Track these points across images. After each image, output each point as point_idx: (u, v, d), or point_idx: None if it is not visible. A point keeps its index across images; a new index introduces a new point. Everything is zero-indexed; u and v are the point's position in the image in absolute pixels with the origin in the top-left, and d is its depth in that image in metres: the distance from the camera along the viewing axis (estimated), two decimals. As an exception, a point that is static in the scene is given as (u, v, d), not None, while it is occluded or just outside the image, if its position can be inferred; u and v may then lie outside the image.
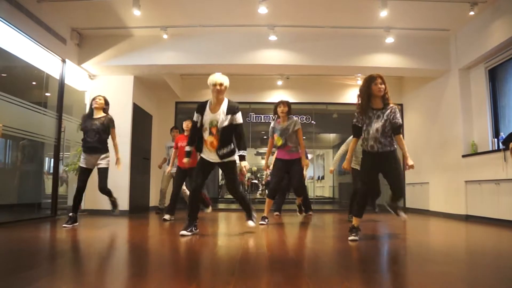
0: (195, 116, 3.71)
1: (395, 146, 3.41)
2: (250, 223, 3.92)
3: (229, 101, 3.68)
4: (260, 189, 13.69)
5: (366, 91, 3.38)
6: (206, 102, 3.71)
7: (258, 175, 14.79)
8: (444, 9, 5.39)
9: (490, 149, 5.58)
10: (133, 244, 3.32)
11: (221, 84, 3.57)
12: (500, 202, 5.01)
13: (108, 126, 4.46)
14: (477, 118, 6.01)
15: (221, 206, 9.41)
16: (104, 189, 4.40)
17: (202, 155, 3.74)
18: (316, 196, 12.89)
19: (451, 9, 5.38)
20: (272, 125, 4.90)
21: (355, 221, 3.48)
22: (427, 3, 5.25)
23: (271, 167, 5.27)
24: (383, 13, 5.22)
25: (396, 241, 3.66)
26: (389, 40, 6.08)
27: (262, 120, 8.59)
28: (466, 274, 2.32)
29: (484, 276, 2.21)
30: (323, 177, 13.80)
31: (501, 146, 5.03)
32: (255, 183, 13.71)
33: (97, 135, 4.36)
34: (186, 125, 5.46)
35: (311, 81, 8.22)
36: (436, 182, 6.67)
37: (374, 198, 5.03)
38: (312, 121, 8.57)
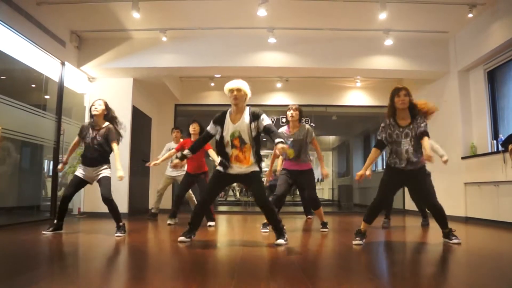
0: (211, 127, 3.34)
1: (425, 162, 3.19)
2: (280, 241, 3.25)
3: (250, 108, 3.31)
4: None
5: (391, 105, 3.22)
6: (226, 112, 3.32)
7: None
8: (443, 11, 5.41)
9: (489, 151, 5.59)
10: (132, 247, 3.31)
11: (238, 90, 3.20)
12: (500, 204, 5.01)
13: (108, 139, 3.84)
14: (476, 120, 6.02)
15: (222, 208, 9.39)
16: (108, 198, 3.80)
17: (226, 170, 3.30)
18: None
19: (450, 11, 5.40)
20: (281, 131, 4.36)
21: (363, 226, 3.41)
22: (426, 6, 5.26)
23: (277, 173, 4.58)
24: (382, 16, 5.23)
25: (396, 244, 3.65)
26: (388, 42, 6.10)
27: (262, 122, 8.57)
28: (466, 275, 2.31)
29: (484, 277, 2.20)
30: (322, 180, 13.78)
31: (500, 148, 5.04)
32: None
33: (97, 151, 3.84)
34: (193, 128, 4.92)
35: (310, 83, 8.23)
36: (435, 184, 6.53)
37: (389, 210, 4.97)
38: (312, 123, 8.56)
